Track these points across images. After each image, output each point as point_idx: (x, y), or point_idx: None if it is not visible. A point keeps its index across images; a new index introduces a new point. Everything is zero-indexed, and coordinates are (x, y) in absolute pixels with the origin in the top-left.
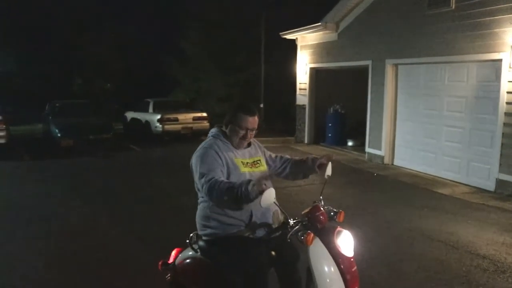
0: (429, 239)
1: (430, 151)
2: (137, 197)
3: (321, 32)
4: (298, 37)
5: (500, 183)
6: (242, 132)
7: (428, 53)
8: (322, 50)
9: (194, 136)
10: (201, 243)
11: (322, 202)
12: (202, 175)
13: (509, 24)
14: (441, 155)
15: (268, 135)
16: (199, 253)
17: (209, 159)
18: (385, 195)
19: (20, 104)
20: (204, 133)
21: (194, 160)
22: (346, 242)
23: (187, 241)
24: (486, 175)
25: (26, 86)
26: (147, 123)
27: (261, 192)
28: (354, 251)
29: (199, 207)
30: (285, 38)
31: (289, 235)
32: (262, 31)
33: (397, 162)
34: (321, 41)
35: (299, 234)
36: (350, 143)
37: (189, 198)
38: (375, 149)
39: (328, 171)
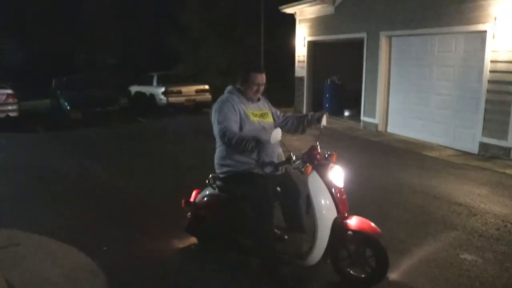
0: (412, 190)
1: (421, 118)
2: (150, 160)
3: (319, 6)
4: (297, 11)
5: (483, 146)
6: (255, 88)
7: (419, 25)
8: (320, 23)
9: (197, 108)
10: (218, 182)
11: (319, 146)
12: (218, 122)
13: None
14: (431, 122)
15: None
16: (216, 191)
17: (225, 110)
18: (376, 157)
19: (24, 80)
20: (206, 105)
21: (213, 111)
22: (337, 175)
23: (207, 181)
24: (471, 139)
25: (29, 63)
26: (152, 96)
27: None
28: (345, 185)
29: (217, 150)
30: (284, 12)
31: (292, 167)
32: (261, 4)
33: (390, 129)
34: (319, 15)
35: (300, 167)
36: (346, 113)
37: (196, 160)
38: (370, 118)
39: (324, 121)
